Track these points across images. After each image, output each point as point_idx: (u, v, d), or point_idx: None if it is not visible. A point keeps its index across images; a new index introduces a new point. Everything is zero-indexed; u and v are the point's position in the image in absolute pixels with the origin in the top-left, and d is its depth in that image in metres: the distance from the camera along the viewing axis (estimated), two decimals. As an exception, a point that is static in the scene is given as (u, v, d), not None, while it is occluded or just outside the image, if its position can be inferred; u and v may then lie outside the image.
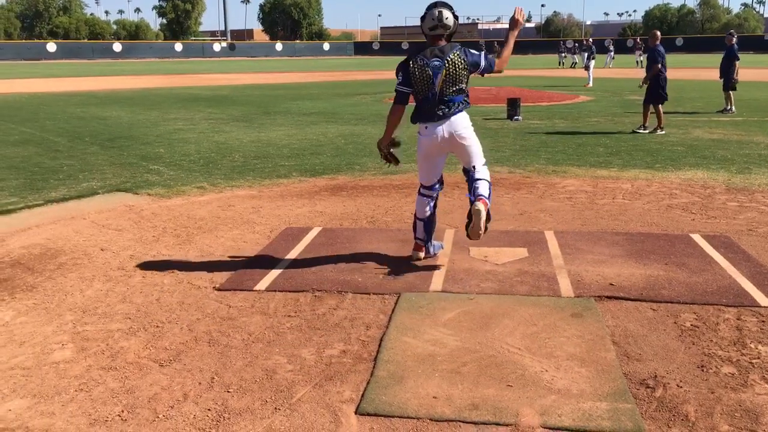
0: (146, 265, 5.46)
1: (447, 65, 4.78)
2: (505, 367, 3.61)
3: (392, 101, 5.12)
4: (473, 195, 4.94)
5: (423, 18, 4.88)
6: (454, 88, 4.85)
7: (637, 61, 43.44)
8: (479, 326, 4.13)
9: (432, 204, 5.34)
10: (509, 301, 4.50)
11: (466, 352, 3.78)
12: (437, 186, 5.34)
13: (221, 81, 35.01)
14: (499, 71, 5.09)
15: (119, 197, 8.04)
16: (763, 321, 4.18)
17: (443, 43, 4.88)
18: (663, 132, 12.95)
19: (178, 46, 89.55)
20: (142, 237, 6.28)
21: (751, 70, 33.87)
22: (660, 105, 13.14)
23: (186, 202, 7.71)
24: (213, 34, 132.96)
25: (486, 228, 4.90)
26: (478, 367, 3.61)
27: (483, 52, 4.97)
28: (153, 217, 7.03)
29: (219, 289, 4.89)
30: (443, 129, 4.88)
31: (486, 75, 5.10)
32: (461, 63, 4.81)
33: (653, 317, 4.30)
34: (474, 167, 5.02)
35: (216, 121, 16.43)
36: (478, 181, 4.96)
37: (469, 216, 4.90)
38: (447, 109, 4.86)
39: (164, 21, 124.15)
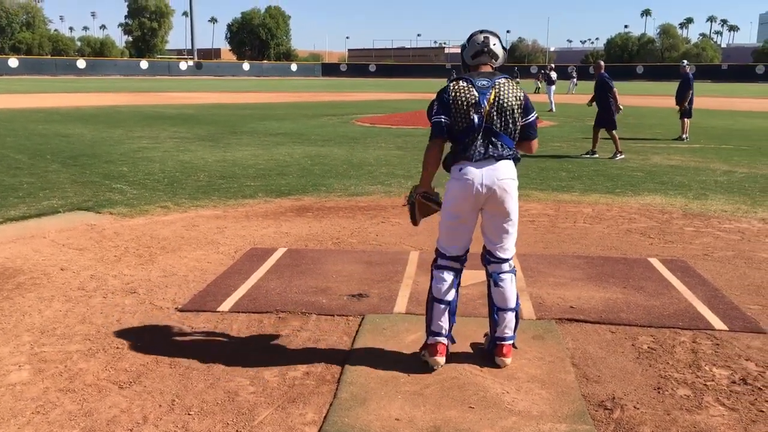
0: (107, 286, 5.39)
1: (496, 87, 3.80)
2: (467, 389, 3.65)
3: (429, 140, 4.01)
4: (496, 330, 3.92)
5: (464, 48, 4.02)
6: (504, 121, 3.79)
7: (569, 89, 44.40)
8: (442, 348, 4.16)
9: (458, 281, 4.01)
10: (472, 323, 4.54)
11: (429, 374, 3.81)
12: (465, 257, 4.06)
13: (187, 100, 34.80)
14: (533, 150, 4.11)
15: (80, 216, 7.92)
16: (717, 344, 4.29)
17: (491, 70, 3.95)
18: (622, 156, 13.32)
19: (144, 64, 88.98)
20: (103, 257, 6.20)
21: (709, 98, 34.88)
22: (614, 130, 13.60)
23: (149, 222, 7.64)
24: (180, 52, 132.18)
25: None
26: (440, 389, 3.64)
27: (536, 113, 4.00)
28: (115, 236, 6.95)
29: (181, 310, 4.85)
30: (483, 174, 3.75)
31: (521, 140, 3.94)
32: (514, 92, 3.83)
33: (612, 340, 4.38)
34: (501, 252, 3.97)
35: (181, 140, 16.32)
36: (503, 290, 3.91)
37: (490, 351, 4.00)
38: (493, 148, 3.77)
39: (130, 38, 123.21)
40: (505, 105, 3.77)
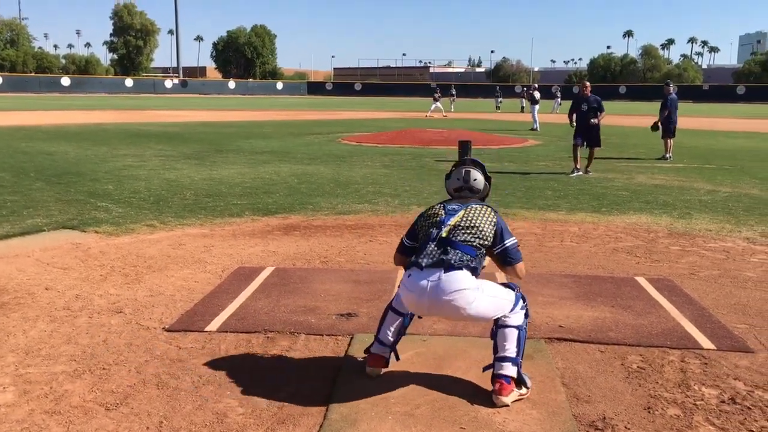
0: (93, 305, 5.33)
1: (467, 211, 3.83)
2: (458, 409, 3.63)
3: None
4: (494, 369, 3.78)
5: (448, 176, 4.13)
6: (467, 237, 3.71)
7: (553, 108, 44.91)
8: (432, 368, 4.15)
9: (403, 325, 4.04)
10: (462, 342, 4.53)
11: (420, 394, 3.79)
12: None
13: (173, 118, 34.73)
14: (520, 274, 3.90)
15: (65, 235, 7.85)
16: (706, 363, 4.31)
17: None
18: (591, 173, 13.90)
19: (129, 82, 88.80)
20: (88, 276, 6.14)
21: (691, 118, 35.29)
22: (598, 148, 14.21)
23: (135, 241, 7.58)
24: (165, 70, 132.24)
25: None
26: (431, 410, 3.62)
27: (515, 239, 3.90)
28: (100, 255, 6.89)
29: (168, 330, 4.80)
30: (428, 289, 3.57)
31: (502, 264, 3.86)
32: (488, 216, 3.81)
33: (601, 359, 4.39)
34: (497, 321, 3.81)
35: (167, 158, 16.27)
36: (504, 335, 3.78)
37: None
38: (444, 255, 3.64)
39: (115, 56, 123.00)
40: (472, 223, 3.76)
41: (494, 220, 3.82)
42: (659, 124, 17.27)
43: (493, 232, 3.78)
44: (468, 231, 3.73)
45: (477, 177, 4.04)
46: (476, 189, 4.03)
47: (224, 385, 3.93)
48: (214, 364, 4.22)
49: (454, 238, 3.71)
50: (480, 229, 3.74)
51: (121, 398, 3.75)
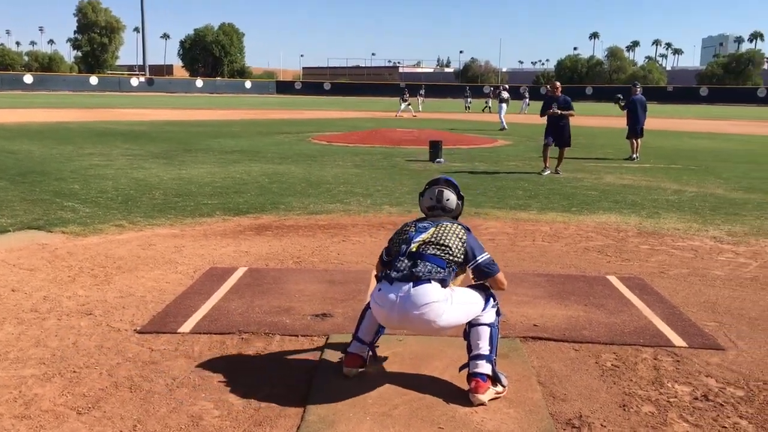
0: (61, 307, 5.21)
1: (438, 228, 3.85)
2: (435, 409, 3.63)
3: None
4: (469, 368, 3.78)
5: (422, 194, 4.15)
6: (436, 252, 3.74)
7: (521, 108, 45.36)
8: (409, 367, 4.14)
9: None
10: (438, 342, 4.53)
11: (397, 395, 3.78)
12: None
13: (139, 116, 34.26)
14: (500, 285, 3.94)
15: (31, 235, 7.68)
16: (678, 361, 4.37)
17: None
18: (560, 174, 14.03)
19: (94, 80, 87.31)
20: (56, 277, 6.01)
21: (656, 119, 35.85)
22: (568, 147, 14.41)
23: (103, 241, 7.45)
24: (131, 68, 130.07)
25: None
26: (409, 410, 3.61)
27: (487, 254, 3.91)
28: (68, 256, 6.75)
29: (140, 332, 4.72)
30: (397, 304, 3.61)
31: (480, 279, 3.92)
32: (458, 234, 3.83)
33: (576, 357, 4.42)
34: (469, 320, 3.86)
35: (134, 157, 16.03)
36: (477, 334, 3.82)
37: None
38: (414, 268, 3.67)
39: (79, 54, 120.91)
40: (442, 241, 3.77)
41: (464, 237, 3.84)
42: (620, 104, 18.14)
43: (463, 249, 3.81)
44: (438, 247, 3.76)
45: (450, 197, 4.07)
46: (449, 208, 4.06)
47: (199, 387, 3.87)
48: (188, 366, 4.16)
49: (423, 252, 3.74)
50: (450, 247, 3.76)
51: (92, 402, 3.67)
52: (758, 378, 4.11)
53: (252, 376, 4.03)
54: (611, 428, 3.48)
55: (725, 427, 3.50)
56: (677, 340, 4.70)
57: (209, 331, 4.74)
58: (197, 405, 3.66)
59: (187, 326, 4.81)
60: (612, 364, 4.30)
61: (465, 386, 3.79)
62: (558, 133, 14.14)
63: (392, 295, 3.63)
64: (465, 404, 3.67)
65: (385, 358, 4.24)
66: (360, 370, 4.01)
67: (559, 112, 14.03)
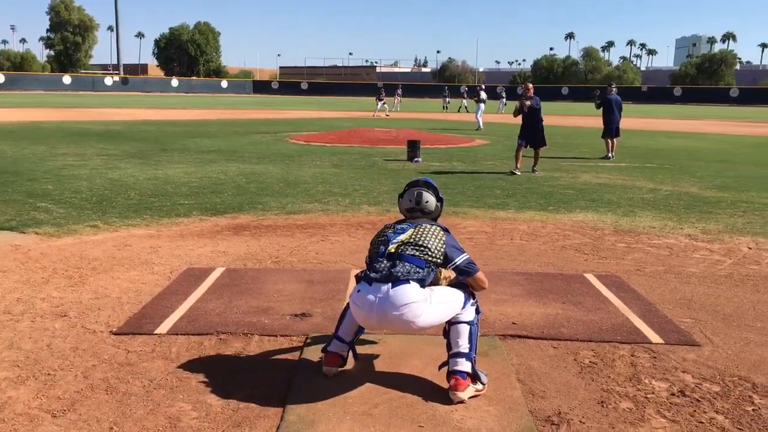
0: (35, 309, 5.13)
1: (416, 229, 3.86)
2: (416, 407, 3.62)
3: None
4: (449, 366, 3.80)
5: (401, 196, 4.17)
6: (415, 252, 3.74)
7: (498, 108, 45.67)
8: (389, 366, 4.14)
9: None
10: (417, 341, 4.53)
11: (377, 393, 3.77)
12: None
13: (114, 116, 33.88)
14: (481, 284, 3.97)
15: (3, 236, 7.55)
16: (655, 357, 4.41)
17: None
18: (538, 172, 14.12)
19: (67, 79, 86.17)
20: (30, 278, 5.91)
21: (631, 119, 36.22)
22: (544, 147, 14.48)
23: (78, 242, 7.34)
24: (105, 67, 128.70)
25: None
26: (389, 409, 3.60)
27: (466, 255, 3.93)
28: (42, 257, 6.65)
29: (116, 333, 4.66)
30: (376, 305, 3.61)
31: (462, 279, 3.93)
32: (437, 235, 3.83)
33: (554, 355, 4.44)
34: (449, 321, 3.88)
35: (109, 157, 15.84)
36: (456, 332, 3.84)
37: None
38: (392, 268, 3.66)
39: (52, 53, 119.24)
40: (421, 242, 3.78)
41: (443, 239, 3.85)
42: (596, 101, 18.39)
43: (442, 250, 3.81)
44: (417, 248, 3.76)
45: (429, 199, 4.07)
46: (428, 210, 4.07)
47: (176, 388, 3.83)
48: (166, 368, 4.11)
49: (402, 252, 3.74)
50: (429, 247, 3.76)
51: (68, 404, 3.61)
52: (733, 373, 4.16)
53: (230, 377, 3.99)
54: (590, 425, 3.51)
55: (702, 422, 3.54)
56: (654, 336, 4.75)
57: (187, 331, 4.70)
58: (175, 406, 3.62)
59: (164, 327, 4.76)
60: (590, 361, 4.33)
61: (445, 384, 3.80)
62: (530, 134, 14.26)
63: (371, 296, 3.63)
64: (445, 402, 3.67)
65: (366, 357, 4.23)
66: (339, 369, 4.00)
67: (528, 103, 14.17)
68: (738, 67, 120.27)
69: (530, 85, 14.94)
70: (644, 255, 7.15)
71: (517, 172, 14.00)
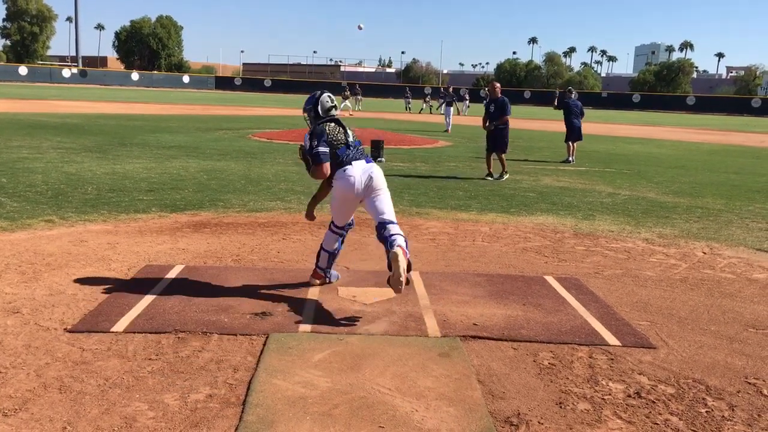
0: (-14, 305, 4.98)
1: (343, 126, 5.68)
2: (376, 408, 3.61)
3: (314, 168, 5.49)
4: (389, 245, 5.00)
5: (316, 104, 5.76)
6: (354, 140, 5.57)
7: (462, 110, 46.02)
8: (350, 367, 4.12)
9: (341, 240, 5.77)
10: (378, 341, 4.52)
11: (338, 394, 3.75)
12: (348, 226, 5.76)
13: (72, 108, 33.17)
14: (315, 173, 5.53)
15: (-46, 229, 7.32)
16: (612, 359, 4.47)
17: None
18: (508, 175, 13.87)
19: (23, 70, 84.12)
20: (-19, 274, 5.75)
21: (591, 124, 36.79)
22: (504, 153, 14.02)
23: (32, 237, 7.16)
24: (63, 59, 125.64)
25: (408, 280, 4.91)
26: (349, 409, 3.58)
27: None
28: (-6, 251, 6.46)
29: (71, 331, 4.55)
30: (362, 173, 5.28)
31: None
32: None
33: (514, 356, 4.48)
34: (389, 220, 5.18)
35: (66, 150, 15.50)
36: (395, 235, 5.06)
37: (390, 266, 4.93)
38: (359, 152, 5.44)
39: (8, 43, 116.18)
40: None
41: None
42: (555, 103, 18.70)
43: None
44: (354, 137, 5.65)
45: (333, 98, 5.95)
46: (336, 105, 5.86)
47: (133, 387, 3.76)
48: (122, 367, 4.03)
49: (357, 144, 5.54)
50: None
51: (19, 403, 3.52)
52: (688, 376, 4.24)
53: (189, 376, 3.93)
54: (548, 426, 3.54)
55: (657, 424, 3.60)
56: (611, 339, 4.82)
57: (144, 330, 4.61)
58: (131, 406, 3.55)
59: (120, 325, 4.67)
60: (549, 363, 4.37)
61: (407, 385, 3.81)
62: (493, 139, 14.06)
63: (357, 166, 5.32)
64: (405, 403, 3.67)
65: (326, 357, 4.21)
66: (320, 282, 5.76)
67: (494, 125, 13.81)
68: (695, 75, 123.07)
69: (497, 84, 14.37)
70: (603, 258, 7.26)
71: (488, 177, 13.83)
